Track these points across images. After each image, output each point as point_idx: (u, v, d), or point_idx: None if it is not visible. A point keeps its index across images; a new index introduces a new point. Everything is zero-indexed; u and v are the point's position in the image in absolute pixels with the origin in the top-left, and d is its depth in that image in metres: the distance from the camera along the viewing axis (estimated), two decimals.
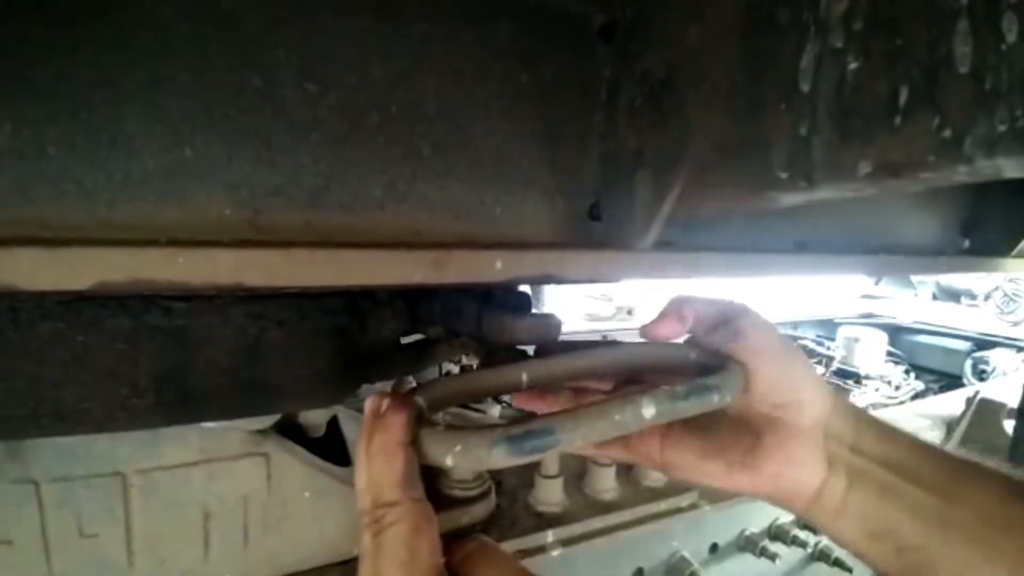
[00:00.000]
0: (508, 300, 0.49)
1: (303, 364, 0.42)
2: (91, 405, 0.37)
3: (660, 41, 0.44)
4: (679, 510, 0.65)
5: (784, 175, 0.35)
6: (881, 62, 0.30)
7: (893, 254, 0.80)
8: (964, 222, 0.88)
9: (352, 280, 0.35)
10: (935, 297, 2.98)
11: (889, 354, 2.28)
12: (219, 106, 0.37)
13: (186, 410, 0.39)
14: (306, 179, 0.40)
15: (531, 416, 0.30)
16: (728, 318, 0.42)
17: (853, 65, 0.31)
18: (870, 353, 2.16)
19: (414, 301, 0.50)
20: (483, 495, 0.56)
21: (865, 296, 3.57)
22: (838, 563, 0.93)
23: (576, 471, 0.64)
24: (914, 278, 3.44)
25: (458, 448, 0.29)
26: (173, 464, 0.43)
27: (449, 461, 0.28)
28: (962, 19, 0.27)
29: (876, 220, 0.80)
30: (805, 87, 0.33)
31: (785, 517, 0.87)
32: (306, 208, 0.40)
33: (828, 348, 2.15)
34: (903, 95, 0.29)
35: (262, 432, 0.46)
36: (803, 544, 0.84)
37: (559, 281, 0.48)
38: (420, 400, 0.34)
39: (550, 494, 0.58)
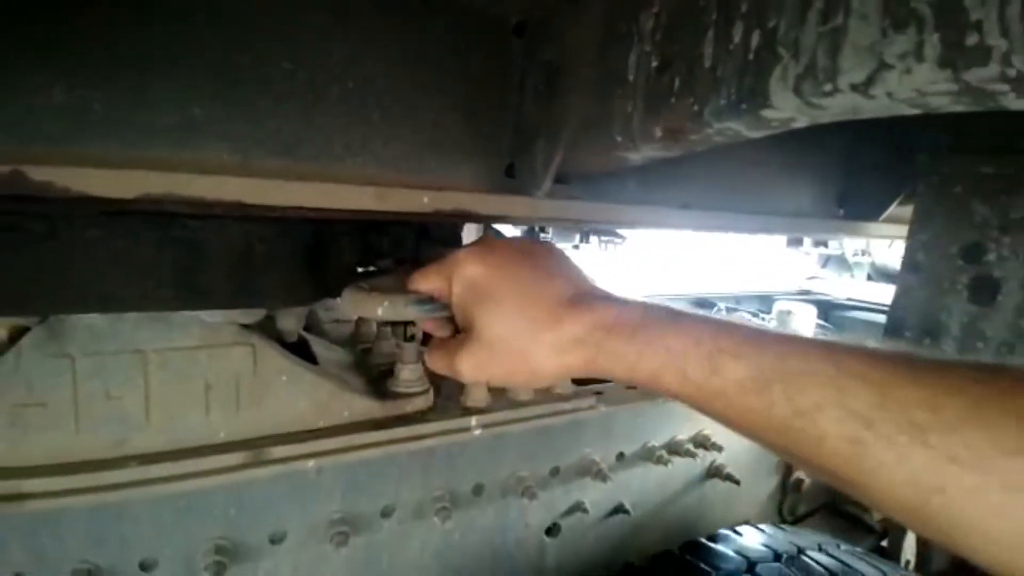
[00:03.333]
0: (440, 233, 0.64)
1: (281, 272, 0.56)
2: (127, 292, 0.51)
3: (553, 39, 0.59)
4: (579, 409, 0.82)
5: (620, 139, 0.51)
6: (666, 61, 0.46)
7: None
8: (839, 194, 1.06)
9: (319, 203, 0.50)
10: (870, 278, 3.23)
11: (819, 327, 2.52)
12: (218, 78, 0.51)
13: (196, 300, 0.53)
14: (284, 135, 0.54)
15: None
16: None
17: (654, 63, 0.47)
18: (801, 326, 2.38)
19: (366, 234, 0.64)
20: (423, 392, 0.72)
21: (812, 278, 3.86)
22: (728, 477, 1.12)
23: None
24: (852, 260, 3.72)
25: (386, 304, 0.44)
26: (182, 347, 0.57)
27: (380, 312, 0.44)
28: (711, 30, 0.42)
29: (757, 191, 0.97)
30: (631, 78, 0.49)
31: (682, 433, 1.05)
32: (284, 156, 0.54)
33: (764, 320, 2.37)
34: (676, 83, 0.45)
35: (250, 327, 0.60)
36: (693, 455, 1.03)
37: (475, 217, 0.63)
38: (364, 285, 0.49)
39: (477, 394, 0.74)
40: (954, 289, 0.87)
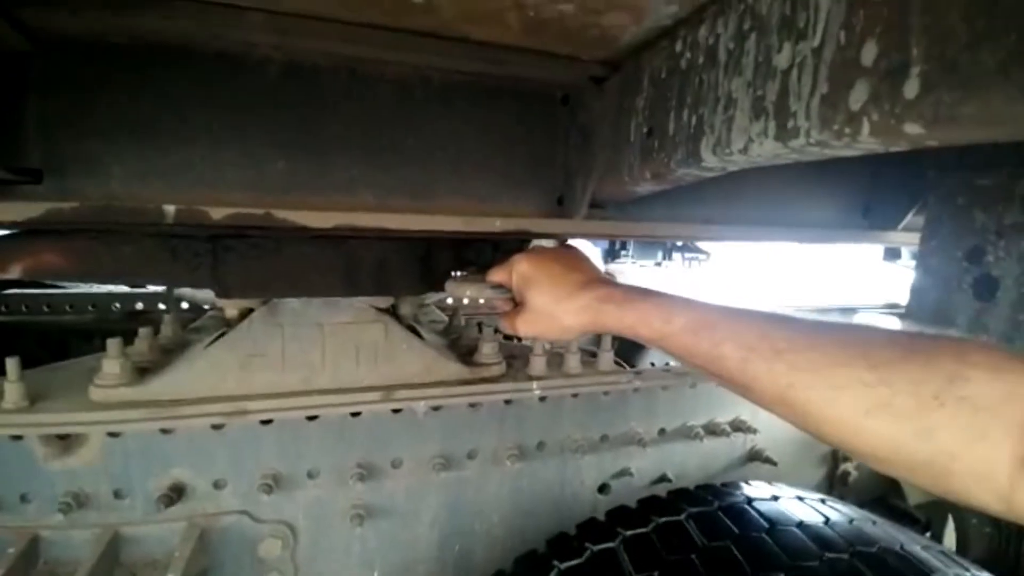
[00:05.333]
0: (508, 247, 0.91)
1: (404, 273, 0.86)
2: (319, 284, 0.83)
3: (586, 109, 0.84)
4: (618, 383, 1.04)
5: (627, 179, 0.75)
6: (651, 129, 0.69)
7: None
8: (864, 205, 1.19)
9: (429, 227, 0.78)
10: None
11: None
12: (368, 151, 0.81)
13: (352, 290, 0.84)
14: (408, 184, 0.83)
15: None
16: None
17: (644, 130, 0.70)
18: None
19: (459, 249, 0.93)
20: (499, 363, 0.98)
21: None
22: (767, 460, 1.26)
23: (557, 357, 1.04)
24: None
25: (472, 288, 0.71)
26: (343, 322, 0.88)
27: (468, 293, 0.71)
28: (672, 112, 0.66)
29: (788, 205, 1.14)
30: (631, 139, 0.73)
31: (720, 416, 1.22)
32: (408, 198, 0.83)
33: None
34: (656, 144, 0.68)
35: (383, 310, 0.90)
36: (728, 435, 1.19)
37: (535, 235, 0.89)
38: (458, 277, 0.77)
39: (538, 366, 0.99)
40: (960, 288, 0.99)
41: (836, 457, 1.40)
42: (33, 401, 0.82)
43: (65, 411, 0.80)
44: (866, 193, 1.19)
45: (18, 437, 0.83)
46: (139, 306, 1.93)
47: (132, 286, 1.96)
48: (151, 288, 2.16)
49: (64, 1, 0.69)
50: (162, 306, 1.92)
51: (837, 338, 0.49)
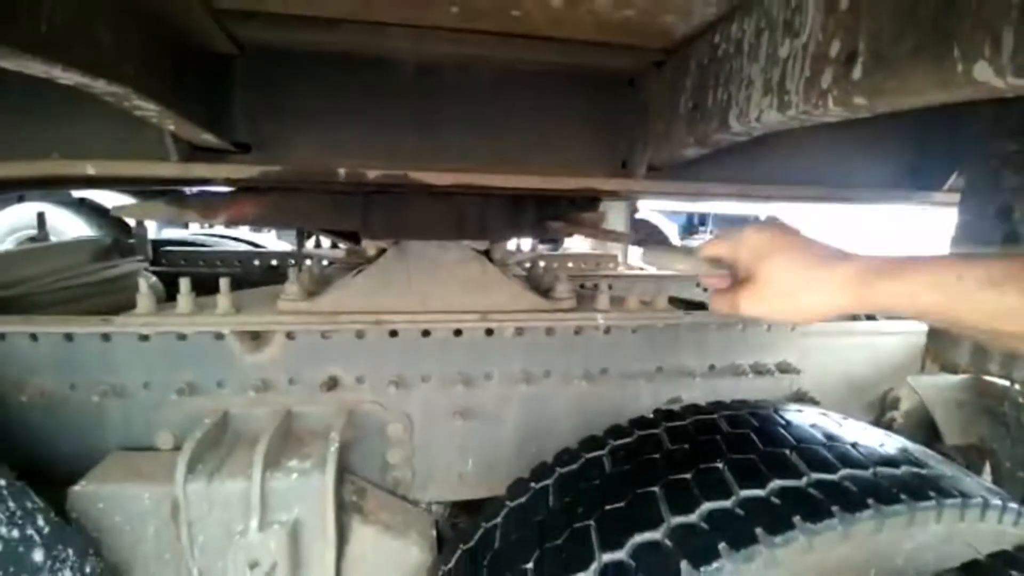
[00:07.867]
0: (581, 203, 1.13)
1: (500, 223, 1.11)
2: (435, 230, 1.11)
3: (647, 88, 1.04)
4: (670, 319, 1.24)
5: (677, 144, 0.95)
6: (696, 104, 0.89)
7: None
8: (911, 168, 1.30)
9: (519, 184, 1.02)
10: None
11: None
12: (474, 127, 1.06)
13: (462, 234, 1.10)
14: (503, 152, 1.08)
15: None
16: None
17: (691, 105, 0.90)
18: None
19: (541, 204, 1.16)
20: (570, 298, 1.22)
21: None
22: (811, 400, 1.41)
23: (619, 299, 1.26)
24: None
25: (684, 262, 0.91)
26: (450, 260, 1.15)
27: (679, 267, 0.91)
28: (710, 90, 0.85)
29: (836, 169, 1.27)
30: (680, 112, 0.93)
31: (767, 358, 1.38)
32: (503, 163, 1.08)
33: None
34: (699, 116, 0.88)
35: (480, 252, 1.16)
36: (771, 373, 1.35)
37: (603, 193, 1.11)
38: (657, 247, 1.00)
39: (603, 302, 1.22)
40: (991, 242, 1.09)
41: (884, 404, 1.52)
42: (237, 310, 1.16)
43: (262, 315, 1.13)
44: (915, 157, 1.29)
45: (220, 336, 1.17)
46: (273, 263, 2.34)
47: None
48: (279, 249, 2.60)
49: (260, 16, 0.98)
50: (292, 261, 2.32)
51: None
